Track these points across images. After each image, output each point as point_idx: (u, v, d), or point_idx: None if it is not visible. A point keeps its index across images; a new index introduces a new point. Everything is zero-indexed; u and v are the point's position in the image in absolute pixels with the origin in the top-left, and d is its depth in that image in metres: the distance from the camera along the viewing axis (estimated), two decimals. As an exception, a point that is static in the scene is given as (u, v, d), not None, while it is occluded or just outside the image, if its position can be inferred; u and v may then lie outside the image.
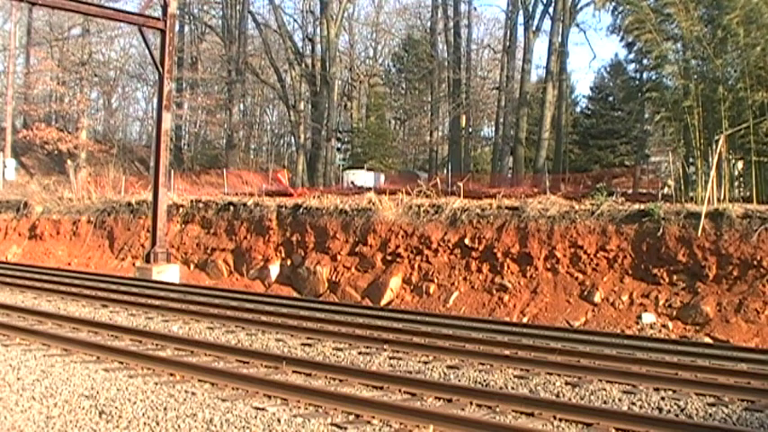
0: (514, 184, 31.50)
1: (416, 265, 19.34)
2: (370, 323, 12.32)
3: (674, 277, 16.12)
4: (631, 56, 24.57)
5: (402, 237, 19.88)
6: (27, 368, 8.34)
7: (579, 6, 38.26)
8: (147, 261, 20.47)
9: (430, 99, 49.90)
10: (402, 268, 19.53)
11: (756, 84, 18.82)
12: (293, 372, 8.47)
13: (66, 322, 11.52)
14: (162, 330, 11.28)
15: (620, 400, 7.67)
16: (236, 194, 27.85)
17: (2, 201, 31.73)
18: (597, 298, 16.58)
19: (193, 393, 7.41)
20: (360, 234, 20.61)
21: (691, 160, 21.02)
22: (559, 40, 36.12)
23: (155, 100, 42.57)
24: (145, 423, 6.48)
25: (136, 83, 56.00)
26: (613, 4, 21.40)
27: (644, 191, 23.94)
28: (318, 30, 44.36)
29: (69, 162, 41.66)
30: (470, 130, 49.82)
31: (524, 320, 16.31)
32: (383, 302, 18.92)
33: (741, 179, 20.99)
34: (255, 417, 6.60)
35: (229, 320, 12.22)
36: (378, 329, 11.63)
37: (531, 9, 38.78)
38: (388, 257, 19.88)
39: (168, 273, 20.16)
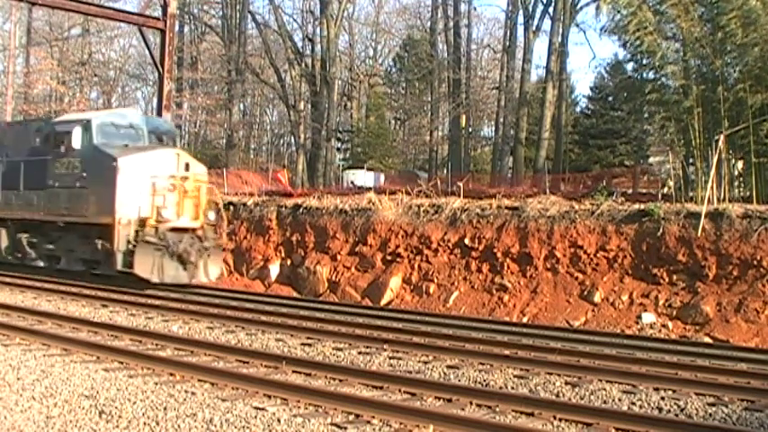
0: (514, 183, 31.46)
1: (416, 265, 19.34)
2: (370, 323, 12.34)
3: (674, 277, 16.12)
4: (628, 55, 24.57)
5: (402, 237, 19.88)
6: (27, 368, 8.34)
7: (579, 6, 38.27)
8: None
9: (430, 99, 49.87)
10: (402, 268, 19.52)
11: (756, 84, 18.80)
12: (293, 372, 8.47)
13: (66, 322, 11.52)
14: (162, 330, 11.29)
15: (620, 399, 7.67)
16: (236, 194, 27.83)
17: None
18: (597, 298, 16.59)
19: (193, 393, 7.41)
20: (360, 234, 20.61)
21: (691, 160, 21.01)
22: (559, 40, 36.11)
23: (155, 100, 42.55)
24: (145, 423, 6.48)
25: (136, 83, 56.06)
26: (609, 5, 21.32)
27: (644, 191, 23.91)
28: (318, 30, 44.33)
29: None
30: (470, 130, 49.80)
31: (524, 320, 16.32)
32: (383, 302, 18.92)
33: (741, 179, 20.98)
34: (255, 417, 6.61)
35: (229, 320, 12.23)
36: (378, 329, 11.64)
37: (531, 9, 38.78)
38: (388, 257, 19.88)
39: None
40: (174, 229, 15.73)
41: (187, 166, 16.39)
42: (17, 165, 17.88)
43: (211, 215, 16.71)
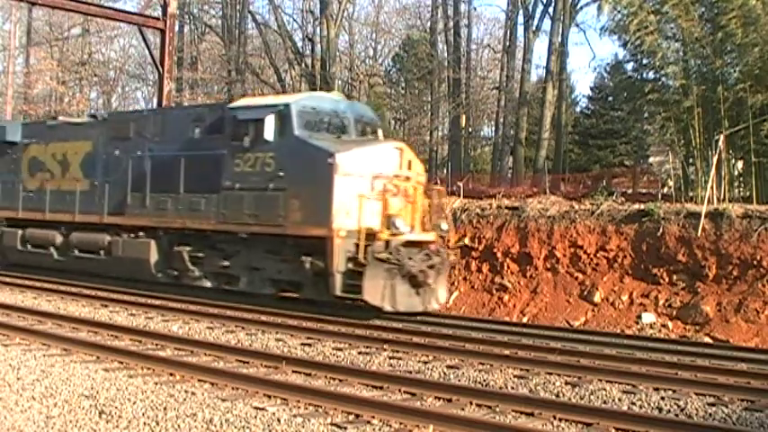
0: (514, 183, 31.45)
1: (416, 265, 19.31)
2: (370, 323, 12.34)
3: (674, 277, 16.12)
4: (628, 55, 24.58)
5: (402, 237, 19.85)
6: (27, 368, 8.34)
7: (579, 6, 38.26)
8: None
9: (430, 99, 49.88)
10: (402, 268, 19.49)
11: (756, 84, 18.80)
12: (293, 372, 8.48)
13: (66, 322, 11.53)
14: (162, 330, 11.29)
15: (620, 399, 7.68)
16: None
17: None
18: (597, 298, 16.58)
19: (193, 393, 7.41)
20: (360, 234, 20.58)
21: (690, 160, 21.01)
22: (559, 40, 36.10)
23: (155, 100, 42.53)
24: (145, 423, 6.48)
25: (136, 83, 56.00)
26: (610, 4, 21.34)
27: (644, 191, 23.91)
28: (318, 30, 44.35)
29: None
30: (470, 130, 49.79)
31: (524, 320, 16.32)
32: (383, 302, 18.85)
33: (741, 179, 20.97)
34: (255, 416, 6.61)
35: (229, 320, 12.23)
36: (378, 329, 11.65)
37: (531, 9, 38.75)
38: (388, 257, 19.84)
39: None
40: (405, 244, 12.66)
41: (410, 165, 13.40)
42: (172, 162, 14.81)
43: (444, 225, 13.93)
